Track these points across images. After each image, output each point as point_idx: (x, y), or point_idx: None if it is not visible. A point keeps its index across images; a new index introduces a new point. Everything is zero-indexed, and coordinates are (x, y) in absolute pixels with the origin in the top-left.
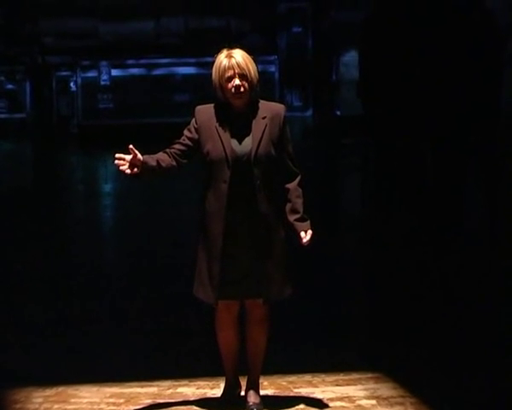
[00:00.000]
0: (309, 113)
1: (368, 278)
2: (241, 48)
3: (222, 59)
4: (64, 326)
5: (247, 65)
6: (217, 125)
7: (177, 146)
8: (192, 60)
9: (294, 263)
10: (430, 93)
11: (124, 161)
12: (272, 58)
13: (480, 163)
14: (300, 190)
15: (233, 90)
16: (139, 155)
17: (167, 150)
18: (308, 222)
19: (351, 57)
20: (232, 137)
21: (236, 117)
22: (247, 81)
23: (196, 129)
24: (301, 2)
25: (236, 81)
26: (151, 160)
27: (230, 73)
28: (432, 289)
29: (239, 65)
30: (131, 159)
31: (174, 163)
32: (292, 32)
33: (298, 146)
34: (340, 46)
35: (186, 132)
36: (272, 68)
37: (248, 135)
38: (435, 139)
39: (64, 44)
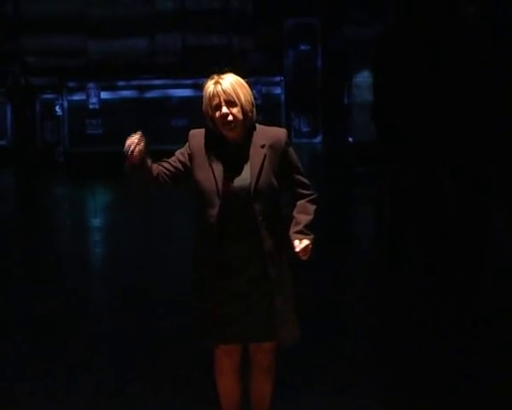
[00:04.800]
0: (318, 139)
1: (381, 318)
2: (232, 71)
3: (209, 85)
4: (50, 370)
5: (235, 90)
6: (210, 154)
7: (166, 165)
8: (190, 81)
9: (302, 301)
10: (451, 118)
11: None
12: (278, 79)
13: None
14: (310, 206)
15: (221, 120)
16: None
17: (154, 165)
18: (309, 237)
19: (364, 78)
20: (228, 169)
21: (232, 147)
22: (235, 108)
23: (189, 155)
24: (310, 18)
25: (223, 109)
26: (149, 161)
27: (217, 100)
28: (453, 332)
29: (225, 91)
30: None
31: (161, 179)
32: (299, 51)
33: (306, 175)
34: (353, 66)
35: (178, 155)
36: (278, 90)
37: (246, 167)
38: (456, 168)
39: (49, 64)
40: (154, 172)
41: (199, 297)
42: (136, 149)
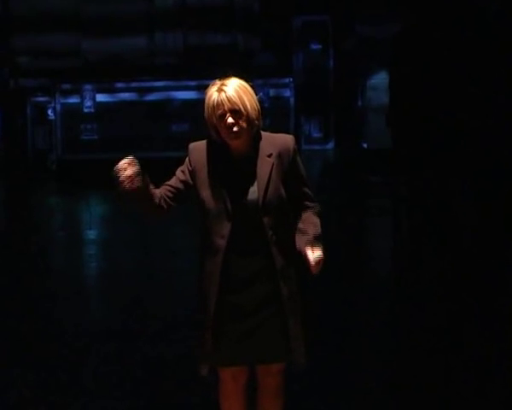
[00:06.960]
0: (330, 145)
1: (396, 331)
2: (236, 75)
3: (212, 93)
4: (42, 396)
5: (240, 98)
6: (214, 168)
7: (167, 188)
8: (192, 83)
9: (313, 316)
10: (473, 124)
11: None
12: (287, 81)
13: None
14: (316, 219)
15: (227, 130)
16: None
17: (157, 190)
18: (321, 247)
19: (379, 80)
20: (234, 183)
21: (237, 158)
22: (241, 117)
23: (190, 172)
24: (321, 15)
25: (229, 119)
26: (150, 187)
27: (221, 110)
28: (471, 345)
29: (229, 99)
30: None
31: (164, 205)
32: (310, 50)
33: (317, 184)
34: (367, 66)
35: (179, 174)
36: (287, 93)
37: (253, 179)
38: (478, 178)
39: (41, 65)
40: (156, 200)
41: (203, 316)
42: (125, 175)
